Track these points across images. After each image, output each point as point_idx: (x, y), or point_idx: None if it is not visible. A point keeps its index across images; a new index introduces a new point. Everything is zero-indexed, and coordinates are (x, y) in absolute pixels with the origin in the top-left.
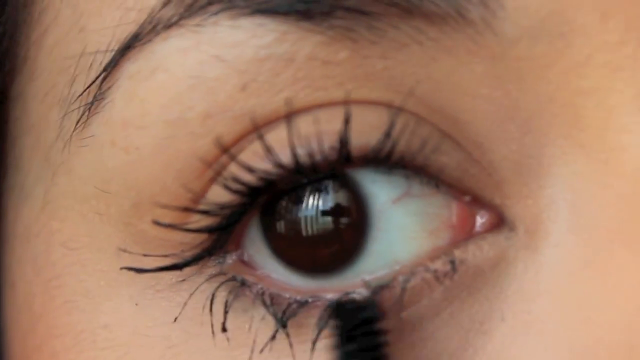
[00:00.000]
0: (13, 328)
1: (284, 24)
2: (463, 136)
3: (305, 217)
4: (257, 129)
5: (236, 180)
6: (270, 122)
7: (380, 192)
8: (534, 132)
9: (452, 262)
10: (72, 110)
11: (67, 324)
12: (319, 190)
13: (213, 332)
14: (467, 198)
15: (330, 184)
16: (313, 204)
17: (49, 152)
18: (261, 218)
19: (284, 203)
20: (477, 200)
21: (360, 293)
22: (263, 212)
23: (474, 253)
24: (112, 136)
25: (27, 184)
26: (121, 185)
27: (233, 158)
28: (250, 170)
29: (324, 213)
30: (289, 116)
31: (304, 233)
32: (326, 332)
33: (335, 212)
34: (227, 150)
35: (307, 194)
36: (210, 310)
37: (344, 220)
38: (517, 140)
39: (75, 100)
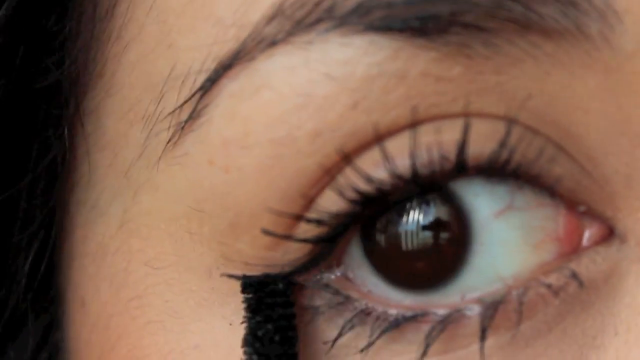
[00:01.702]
0: (85, 348)
1: (397, 41)
2: (575, 149)
3: (406, 232)
4: (378, 138)
5: (353, 188)
6: (388, 133)
7: (482, 205)
8: None
9: (569, 276)
10: (162, 129)
11: (153, 344)
12: (419, 204)
13: (317, 350)
14: (581, 208)
15: (431, 198)
16: (414, 218)
17: (129, 169)
18: (362, 233)
19: (384, 218)
20: (589, 211)
21: (472, 309)
22: (364, 228)
23: (587, 266)
24: (209, 155)
25: (102, 201)
26: (218, 205)
27: (351, 164)
28: (368, 179)
29: (425, 227)
30: (414, 123)
31: (404, 248)
32: (436, 348)
33: (436, 226)
34: (348, 157)
35: (407, 208)
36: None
37: (444, 234)
38: (629, 154)
39: (164, 118)
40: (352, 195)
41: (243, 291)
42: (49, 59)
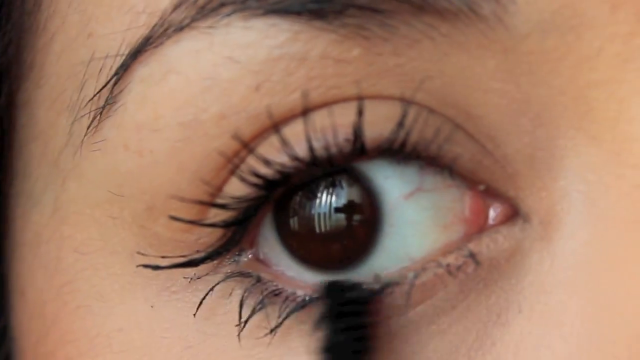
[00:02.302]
0: (24, 335)
1: (296, 24)
2: (476, 129)
3: (318, 214)
4: (275, 124)
5: (254, 173)
6: (286, 118)
7: (393, 188)
8: (545, 125)
9: (467, 256)
10: (83, 115)
11: (81, 328)
12: (332, 186)
13: (229, 331)
14: (481, 187)
15: (342, 180)
16: (326, 200)
17: (58, 158)
18: (274, 216)
19: (297, 200)
20: (491, 191)
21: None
22: (276, 210)
23: (488, 245)
24: (124, 140)
25: (36, 190)
26: (135, 189)
27: (251, 151)
28: (267, 163)
29: (337, 210)
30: (306, 110)
31: (317, 230)
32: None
33: (348, 208)
34: (246, 144)
35: (320, 190)
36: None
37: (356, 217)
38: (530, 133)
39: (85, 105)
40: (254, 179)
41: (326, 296)
42: None
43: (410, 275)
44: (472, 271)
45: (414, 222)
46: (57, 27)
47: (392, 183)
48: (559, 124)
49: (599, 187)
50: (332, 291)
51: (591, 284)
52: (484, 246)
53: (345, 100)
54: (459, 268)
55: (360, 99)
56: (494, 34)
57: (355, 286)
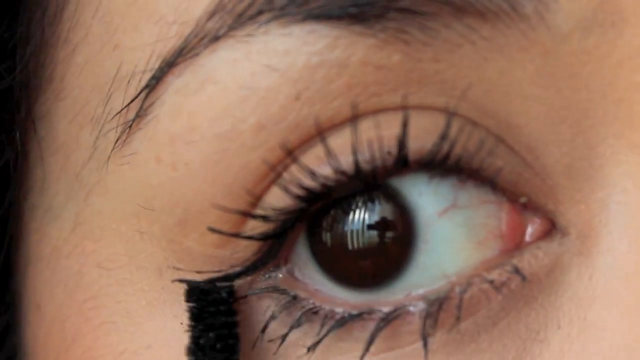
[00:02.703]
0: (41, 351)
1: (335, 29)
2: (516, 140)
3: (352, 231)
4: (320, 132)
5: (298, 184)
6: (329, 127)
7: (427, 204)
8: (585, 132)
9: (511, 272)
10: (110, 129)
11: (106, 345)
12: (366, 203)
13: (265, 348)
14: (523, 199)
15: (376, 197)
16: (359, 217)
17: (80, 172)
18: (308, 232)
19: (330, 217)
20: (531, 204)
21: (416, 306)
22: (310, 227)
23: (529, 261)
24: (157, 152)
25: (55, 204)
26: (166, 202)
27: (295, 160)
28: (312, 174)
29: (370, 227)
30: (354, 119)
31: (350, 247)
32: (375, 345)
33: (381, 225)
34: (291, 152)
35: (353, 207)
36: (264, 326)
37: (389, 233)
38: (569, 142)
39: (112, 119)
40: (297, 191)
41: (187, 299)
42: (0, 65)
43: (458, 289)
44: (515, 287)
45: (448, 238)
46: (80, 39)
47: (426, 200)
48: (598, 131)
49: (638, 198)
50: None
51: (629, 297)
52: (525, 262)
53: (387, 109)
54: (503, 284)
55: (404, 108)
56: (535, 34)
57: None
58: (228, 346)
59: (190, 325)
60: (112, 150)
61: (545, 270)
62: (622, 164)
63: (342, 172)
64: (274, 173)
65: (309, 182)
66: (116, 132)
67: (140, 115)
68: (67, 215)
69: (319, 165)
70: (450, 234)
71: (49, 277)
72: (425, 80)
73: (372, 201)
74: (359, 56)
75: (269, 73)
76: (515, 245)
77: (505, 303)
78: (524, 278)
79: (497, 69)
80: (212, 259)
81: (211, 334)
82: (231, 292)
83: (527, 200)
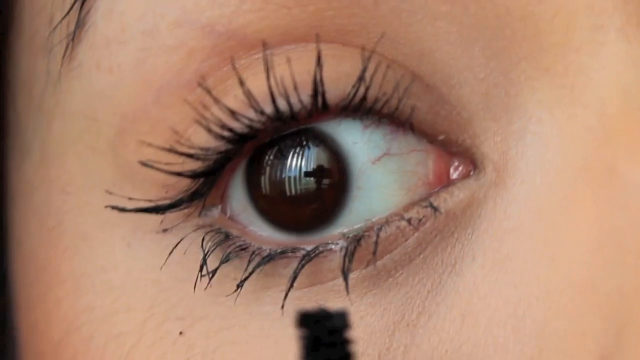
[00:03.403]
0: (18, 282)
1: None
2: (430, 71)
3: (289, 178)
4: (232, 62)
5: (220, 124)
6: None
7: (361, 152)
8: (498, 55)
9: (427, 206)
10: (55, 46)
11: (69, 269)
12: (301, 149)
13: (197, 280)
14: (440, 137)
15: (311, 143)
16: (296, 164)
17: (41, 100)
18: (246, 178)
19: (267, 163)
20: (449, 141)
21: (337, 244)
22: (247, 172)
23: (445, 199)
24: (97, 59)
25: (26, 140)
26: (107, 110)
27: (216, 101)
28: (233, 115)
29: (307, 174)
30: (264, 52)
31: (287, 193)
32: (299, 280)
33: (317, 172)
34: (203, 84)
35: (290, 153)
36: (202, 259)
37: (325, 180)
38: (483, 67)
39: (55, 36)
40: (220, 132)
41: (301, 325)
42: None
43: (376, 228)
44: (431, 224)
45: (381, 185)
46: None
47: (360, 148)
48: (510, 53)
49: (553, 129)
50: (308, 322)
51: (541, 230)
52: (441, 200)
53: (303, 42)
54: (419, 221)
55: (318, 41)
56: None
57: (331, 316)
58: None
59: (303, 354)
60: (60, 67)
61: (461, 205)
62: (537, 91)
63: (264, 114)
64: (193, 110)
65: (232, 124)
66: (61, 48)
67: (78, 25)
68: (35, 147)
69: (241, 107)
70: (383, 180)
71: (25, 210)
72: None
73: (308, 148)
74: None
75: None
76: (441, 188)
77: (421, 239)
78: (439, 213)
79: None
80: (150, 178)
81: None
82: (346, 319)
83: (445, 138)
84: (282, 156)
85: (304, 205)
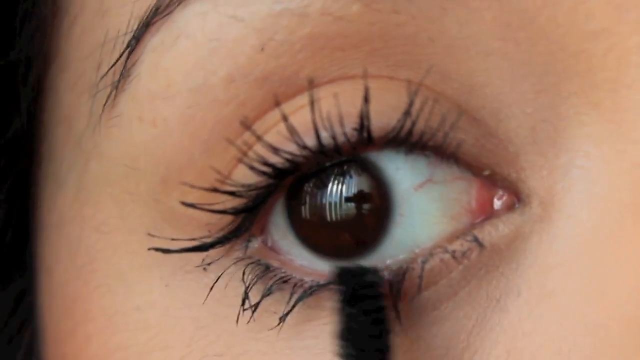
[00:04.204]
0: (47, 313)
1: None
2: (479, 106)
3: (329, 203)
4: (278, 105)
5: (263, 161)
6: (288, 97)
7: (403, 178)
8: (547, 90)
9: (471, 241)
10: (99, 92)
11: (101, 307)
12: (342, 176)
13: (239, 315)
14: (486, 172)
15: (353, 170)
16: (337, 189)
17: (80, 139)
18: (286, 203)
19: (308, 189)
20: (495, 176)
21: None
22: (288, 198)
23: (490, 232)
24: (139, 111)
25: (61, 173)
26: (150, 161)
27: (259, 139)
28: (275, 150)
29: (348, 199)
30: (310, 91)
31: (327, 218)
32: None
33: (358, 198)
34: (249, 127)
35: (331, 179)
36: (244, 292)
37: (366, 206)
38: (532, 102)
39: (100, 82)
40: (262, 167)
41: (337, 282)
42: (7, 41)
43: (420, 260)
44: (475, 257)
45: (423, 212)
46: (78, 10)
47: (403, 174)
48: (560, 89)
49: (600, 163)
50: (345, 277)
51: (587, 265)
52: (485, 233)
53: (351, 78)
54: (463, 254)
55: (365, 77)
56: None
57: (366, 271)
58: (382, 331)
59: (340, 309)
60: (101, 113)
61: (505, 240)
62: (585, 125)
63: (307, 148)
64: (237, 149)
65: (273, 159)
66: (105, 94)
67: (123, 75)
68: (70, 182)
69: (283, 142)
70: (426, 207)
71: (56, 242)
72: (387, 35)
73: (350, 174)
74: (318, 5)
75: (234, 23)
76: (485, 219)
77: (465, 272)
78: (483, 247)
79: (455, 19)
80: (193, 220)
81: (364, 318)
82: (379, 274)
83: (490, 172)
84: (323, 183)
85: (345, 232)
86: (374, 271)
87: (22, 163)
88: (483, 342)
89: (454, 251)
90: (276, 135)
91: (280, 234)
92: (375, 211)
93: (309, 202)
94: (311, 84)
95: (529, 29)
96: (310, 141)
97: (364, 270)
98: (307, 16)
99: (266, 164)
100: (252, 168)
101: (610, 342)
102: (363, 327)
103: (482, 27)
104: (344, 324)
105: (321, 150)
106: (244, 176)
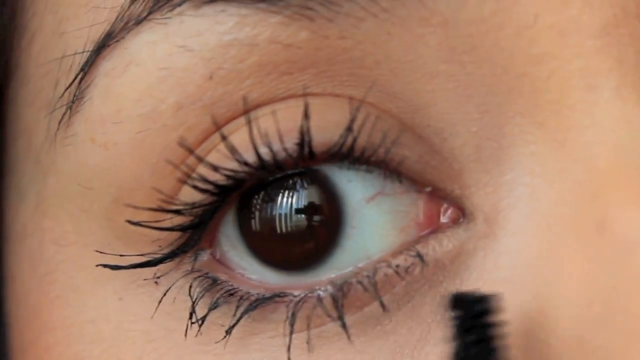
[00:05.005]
0: (13, 322)
1: (243, 8)
2: (424, 124)
3: (279, 215)
4: (219, 128)
5: (204, 179)
6: (232, 118)
7: (355, 191)
8: (492, 110)
9: (414, 256)
10: (55, 110)
11: (59, 318)
12: (293, 188)
13: (187, 328)
14: (427, 189)
15: (302, 182)
16: (287, 202)
17: (39, 153)
18: (237, 215)
19: (257, 201)
20: (438, 192)
21: (326, 290)
22: (239, 210)
23: (433, 247)
24: (92, 134)
25: (22, 184)
26: (102, 182)
27: (200, 160)
28: (215, 169)
29: (298, 211)
30: (248, 112)
31: (278, 230)
32: (296, 327)
33: (309, 210)
34: (192, 151)
35: (280, 192)
36: (191, 306)
37: (317, 217)
38: (477, 121)
39: (57, 102)
40: (204, 186)
41: (454, 308)
42: None
43: (364, 274)
44: (419, 273)
45: (374, 224)
46: (36, 28)
47: (354, 186)
48: (505, 109)
49: (544, 181)
50: (462, 303)
51: (531, 283)
52: (430, 248)
53: (291, 97)
54: (406, 269)
55: (306, 95)
56: (433, 2)
57: (484, 298)
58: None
59: (456, 337)
60: (57, 131)
61: (449, 255)
62: (529, 144)
63: (248, 165)
64: (180, 172)
65: (215, 177)
66: (60, 114)
67: (78, 97)
68: (30, 195)
69: (224, 160)
70: (376, 220)
71: (19, 253)
72: (334, 59)
73: (299, 187)
74: (266, 35)
75: (184, 53)
76: (431, 232)
77: (408, 288)
78: (426, 264)
79: (401, 44)
80: (144, 237)
81: (481, 347)
82: (496, 301)
83: (432, 189)
84: (272, 196)
85: (296, 243)
86: (492, 298)
87: None
88: (427, 356)
89: (397, 266)
90: (216, 154)
91: (231, 245)
92: (326, 223)
93: (259, 215)
94: (246, 102)
95: (474, 53)
96: (250, 158)
97: (481, 297)
98: (256, 45)
99: (207, 181)
100: (195, 187)
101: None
102: (478, 356)
103: (427, 51)
104: (458, 352)
105: (262, 165)
106: (189, 195)
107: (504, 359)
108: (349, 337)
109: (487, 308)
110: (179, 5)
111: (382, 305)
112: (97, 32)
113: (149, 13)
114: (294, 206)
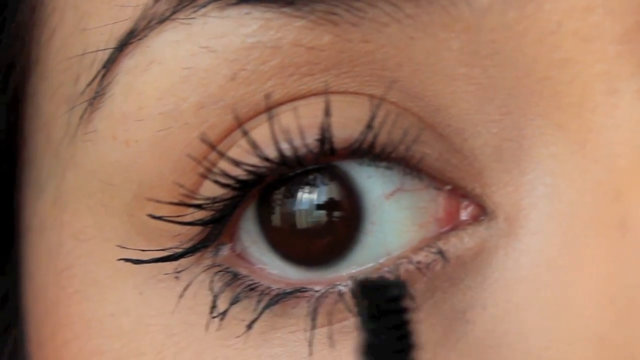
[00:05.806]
0: (30, 317)
1: (268, 12)
2: (444, 124)
3: (300, 211)
4: (240, 124)
5: (225, 174)
6: (254, 116)
7: (375, 187)
8: (513, 112)
9: (436, 253)
10: (75, 106)
11: (77, 312)
12: (313, 184)
13: (208, 323)
14: (447, 187)
15: (323, 178)
16: (307, 197)
17: (58, 148)
18: (257, 211)
19: (278, 196)
20: (458, 190)
21: (347, 286)
22: (259, 205)
23: (455, 245)
24: (113, 130)
25: (41, 179)
26: (123, 178)
27: (222, 155)
28: (237, 164)
29: (319, 207)
30: (270, 110)
31: (298, 226)
32: (318, 322)
33: (329, 206)
34: (214, 146)
35: (301, 187)
36: (212, 300)
37: (337, 213)
38: (497, 123)
39: (78, 98)
40: (226, 180)
41: (361, 296)
42: None
43: (385, 271)
44: (440, 269)
45: (394, 220)
46: (57, 23)
47: (374, 182)
48: (525, 111)
49: (565, 181)
50: (368, 290)
51: (552, 281)
52: (451, 245)
53: (313, 95)
54: (428, 266)
55: (327, 93)
56: (457, 10)
57: (390, 284)
58: (408, 346)
59: (363, 324)
60: (77, 127)
61: (471, 252)
62: (550, 145)
63: (269, 160)
64: (202, 167)
65: (236, 172)
66: (81, 109)
67: (99, 94)
68: (49, 189)
69: (246, 155)
70: (396, 216)
71: (37, 247)
72: (356, 61)
73: (320, 183)
74: (290, 38)
75: (207, 54)
76: (451, 228)
77: (430, 284)
78: (447, 260)
79: (423, 48)
80: (165, 232)
81: (389, 334)
82: (404, 287)
83: (452, 187)
84: (293, 191)
85: (316, 239)
86: (398, 284)
87: (4, 166)
88: (449, 354)
89: (418, 262)
90: (237, 149)
91: (251, 240)
92: (346, 219)
93: (280, 210)
94: (268, 98)
95: (496, 57)
96: (271, 153)
97: (388, 284)
98: (279, 48)
99: (229, 176)
100: (216, 182)
101: (572, 358)
102: (388, 343)
103: (449, 55)
104: (367, 339)
105: (283, 161)
106: (210, 190)
107: (414, 344)
108: None
109: (395, 294)
110: (204, 6)
111: None
112: (120, 30)
113: (173, 13)
114: (314, 202)
